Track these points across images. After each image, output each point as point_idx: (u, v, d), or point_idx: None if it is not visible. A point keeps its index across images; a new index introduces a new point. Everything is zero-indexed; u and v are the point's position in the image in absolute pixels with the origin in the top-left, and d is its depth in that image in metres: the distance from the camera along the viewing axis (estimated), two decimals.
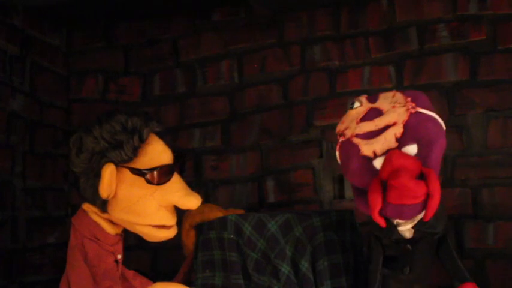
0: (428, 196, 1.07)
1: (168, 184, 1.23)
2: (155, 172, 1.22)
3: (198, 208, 1.48)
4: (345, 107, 1.97)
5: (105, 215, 1.25)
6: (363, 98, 1.25)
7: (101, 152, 1.20)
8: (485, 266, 1.79)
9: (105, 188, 1.19)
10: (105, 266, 1.24)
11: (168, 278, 1.45)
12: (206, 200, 2.06)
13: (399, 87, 1.93)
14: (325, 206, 1.96)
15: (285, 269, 1.32)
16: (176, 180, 1.25)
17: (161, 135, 1.30)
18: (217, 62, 2.13)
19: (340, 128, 1.24)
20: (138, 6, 2.09)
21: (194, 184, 2.06)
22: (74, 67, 2.22)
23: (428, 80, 1.91)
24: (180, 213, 1.49)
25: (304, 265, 1.33)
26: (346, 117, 1.25)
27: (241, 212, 1.49)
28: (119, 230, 1.29)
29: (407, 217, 1.12)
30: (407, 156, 1.09)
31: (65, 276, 1.26)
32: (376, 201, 1.09)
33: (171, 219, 1.26)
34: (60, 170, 2.11)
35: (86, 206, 1.26)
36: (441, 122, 1.17)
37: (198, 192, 2.07)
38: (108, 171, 1.18)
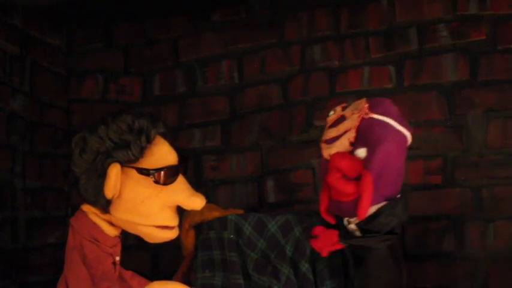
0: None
1: (173, 185, 1.23)
2: (162, 172, 1.22)
3: None
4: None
5: (106, 216, 1.25)
6: (339, 107, 1.30)
7: (106, 152, 1.20)
8: (485, 266, 1.79)
9: (111, 188, 1.19)
10: (103, 267, 1.24)
11: (168, 278, 1.45)
12: (206, 200, 2.05)
13: (399, 87, 1.93)
14: None
15: (285, 269, 1.32)
16: (181, 181, 1.26)
17: (166, 136, 1.30)
18: (217, 62, 2.13)
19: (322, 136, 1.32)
20: (138, 6, 2.09)
21: (194, 184, 2.05)
22: (74, 67, 2.22)
23: (428, 80, 1.91)
24: (179, 214, 1.49)
25: (305, 265, 1.33)
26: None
27: (241, 212, 1.49)
28: (117, 232, 1.29)
29: (345, 213, 1.19)
30: (344, 157, 1.16)
31: (63, 278, 1.25)
32: (323, 200, 1.20)
33: (174, 220, 1.26)
34: (60, 170, 2.11)
35: (86, 207, 1.26)
36: (397, 127, 1.18)
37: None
38: (115, 171, 1.18)
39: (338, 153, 1.18)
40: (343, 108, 1.29)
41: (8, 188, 1.84)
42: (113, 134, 1.21)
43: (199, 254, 1.40)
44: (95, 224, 1.25)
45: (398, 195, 1.21)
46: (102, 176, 1.19)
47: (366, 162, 1.14)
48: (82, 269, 1.22)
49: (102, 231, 1.25)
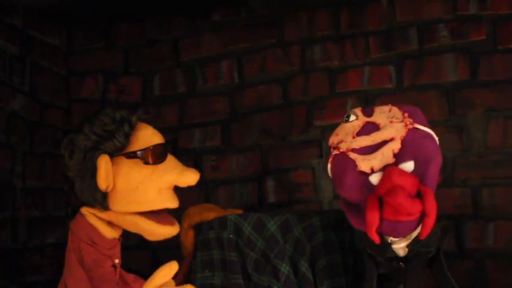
0: (423, 214, 1.06)
1: (163, 164, 1.23)
2: (149, 151, 1.22)
3: (197, 208, 1.48)
4: (345, 107, 1.98)
5: (105, 215, 1.25)
6: (359, 111, 1.23)
7: (93, 147, 1.21)
8: (485, 266, 1.79)
9: (103, 178, 1.19)
10: (102, 270, 1.24)
11: None
12: (206, 200, 2.06)
13: (399, 87, 1.93)
14: (324, 206, 1.96)
15: (285, 268, 1.33)
16: (171, 159, 1.25)
17: (148, 123, 1.31)
18: (217, 62, 2.13)
19: (333, 140, 1.22)
20: (138, 6, 2.09)
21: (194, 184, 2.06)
22: (74, 67, 2.23)
23: (428, 80, 1.91)
24: (180, 213, 1.49)
25: (304, 265, 1.33)
26: (340, 129, 1.23)
27: (240, 212, 1.49)
28: (116, 234, 1.28)
29: (401, 234, 1.12)
30: (406, 174, 1.07)
31: (63, 281, 1.26)
32: (373, 219, 1.09)
33: (173, 201, 1.25)
34: (60, 170, 2.11)
35: (84, 210, 1.26)
36: (436, 138, 1.16)
37: (198, 192, 2.08)
38: (104, 161, 1.19)
39: (397, 170, 1.07)
40: (365, 113, 1.22)
41: (8, 188, 1.84)
42: (97, 128, 1.22)
43: (199, 253, 1.40)
44: (92, 226, 1.24)
45: None
46: (95, 172, 1.20)
47: (419, 177, 1.08)
48: (80, 272, 1.22)
49: (99, 234, 1.25)
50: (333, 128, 1.28)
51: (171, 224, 1.26)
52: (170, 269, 1.14)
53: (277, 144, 2.04)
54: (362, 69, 1.98)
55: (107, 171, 1.19)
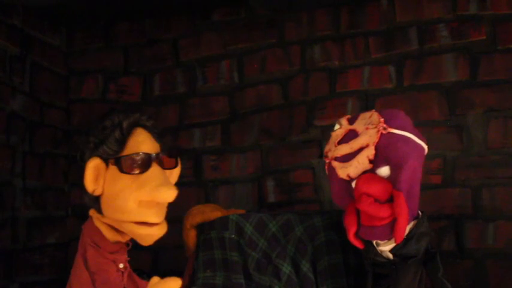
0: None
1: (145, 175, 1.17)
2: (127, 159, 1.17)
3: (199, 208, 1.48)
4: (345, 107, 1.98)
5: (106, 220, 1.24)
6: (344, 120, 1.26)
7: (93, 150, 1.21)
8: (485, 266, 1.79)
9: (89, 181, 1.16)
10: (106, 275, 1.21)
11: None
12: (206, 200, 2.06)
13: (399, 87, 1.93)
14: (325, 206, 1.96)
15: (286, 268, 1.33)
16: (154, 171, 1.18)
17: (149, 130, 1.27)
18: (217, 62, 2.13)
19: (325, 150, 1.26)
20: (138, 6, 2.09)
21: (194, 184, 2.06)
22: (74, 67, 2.22)
23: (428, 80, 1.91)
24: (182, 213, 1.49)
25: (306, 265, 1.33)
26: (330, 139, 1.26)
27: (242, 212, 1.49)
28: (123, 238, 1.25)
29: (379, 238, 1.15)
30: (373, 181, 1.11)
31: (69, 281, 1.25)
32: (351, 224, 1.15)
33: (154, 216, 1.17)
34: (60, 170, 2.11)
35: (91, 212, 1.25)
36: (418, 141, 1.16)
37: (198, 192, 2.08)
38: (92, 164, 1.17)
39: (364, 178, 1.12)
40: (349, 121, 1.25)
41: (8, 188, 1.84)
42: (97, 132, 1.22)
43: (201, 253, 1.40)
44: (97, 228, 1.23)
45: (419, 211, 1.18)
46: None
47: (393, 181, 1.10)
48: (84, 274, 1.21)
49: (102, 236, 1.23)
50: (333, 128, 1.29)
51: (150, 224, 1.18)
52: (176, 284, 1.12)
53: (277, 144, 2.04)
54: (362, 69, 1.98)
55: (94, 175, 1.17)
